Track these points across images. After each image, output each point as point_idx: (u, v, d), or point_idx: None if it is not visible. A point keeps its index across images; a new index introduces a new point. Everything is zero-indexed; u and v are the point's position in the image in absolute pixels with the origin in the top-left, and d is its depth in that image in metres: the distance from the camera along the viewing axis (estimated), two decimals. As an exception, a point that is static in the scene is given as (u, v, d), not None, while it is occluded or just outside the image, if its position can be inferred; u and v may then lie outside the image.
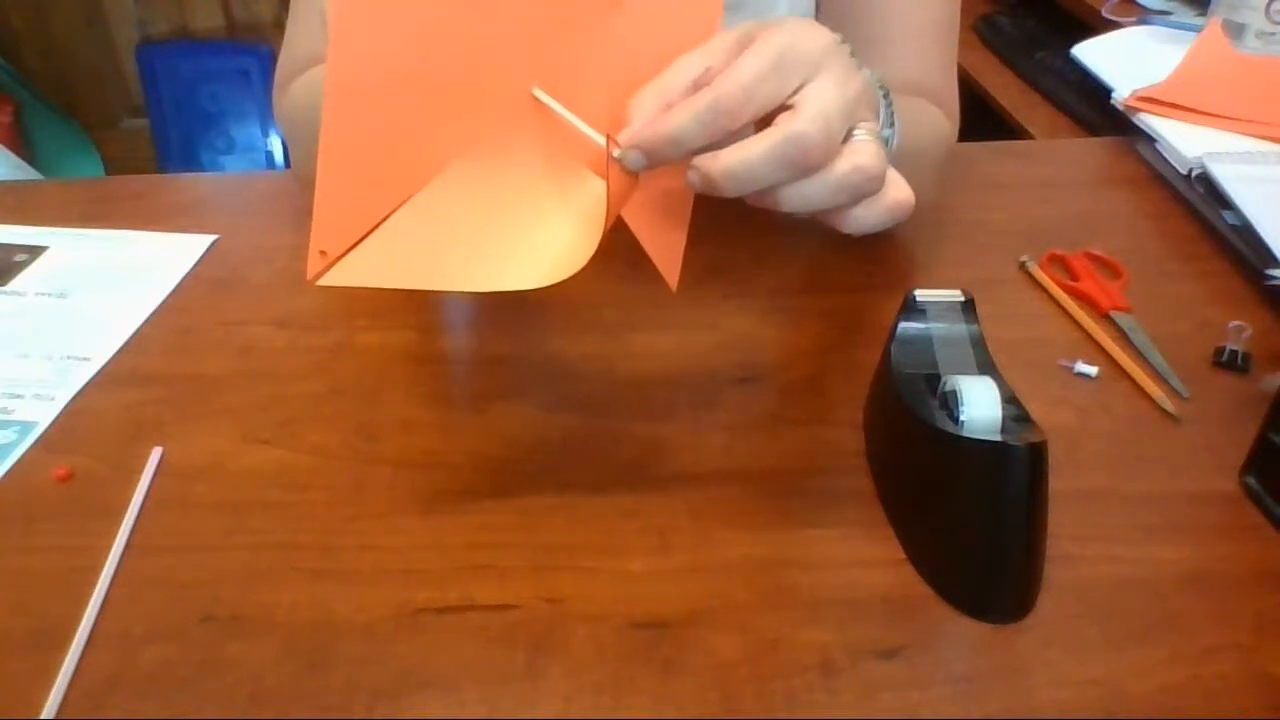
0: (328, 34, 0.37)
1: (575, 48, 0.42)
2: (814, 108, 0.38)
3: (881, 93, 0.51)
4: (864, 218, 0.40)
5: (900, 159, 0.47)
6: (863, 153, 0.39)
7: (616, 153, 0.40)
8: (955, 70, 0.72)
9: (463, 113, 0.42)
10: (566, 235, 0.43)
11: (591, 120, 0.41)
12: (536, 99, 0.42)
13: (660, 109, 0.40)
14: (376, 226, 0.41)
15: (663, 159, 0.39)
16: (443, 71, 0.40)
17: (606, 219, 0.41)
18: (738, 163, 0.38)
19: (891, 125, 0.52)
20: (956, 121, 0.71)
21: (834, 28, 0.48)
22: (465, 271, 0.42)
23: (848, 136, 0.39)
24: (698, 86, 0.40)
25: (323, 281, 0.40)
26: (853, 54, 0.47)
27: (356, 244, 0.41)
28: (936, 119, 0.67)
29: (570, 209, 0.44)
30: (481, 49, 0.41)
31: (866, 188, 0.39)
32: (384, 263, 0.41)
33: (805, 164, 0.38)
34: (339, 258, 0.41)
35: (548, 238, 0.43)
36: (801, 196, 0.39)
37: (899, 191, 0.41)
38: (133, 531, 0.47)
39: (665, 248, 0.45)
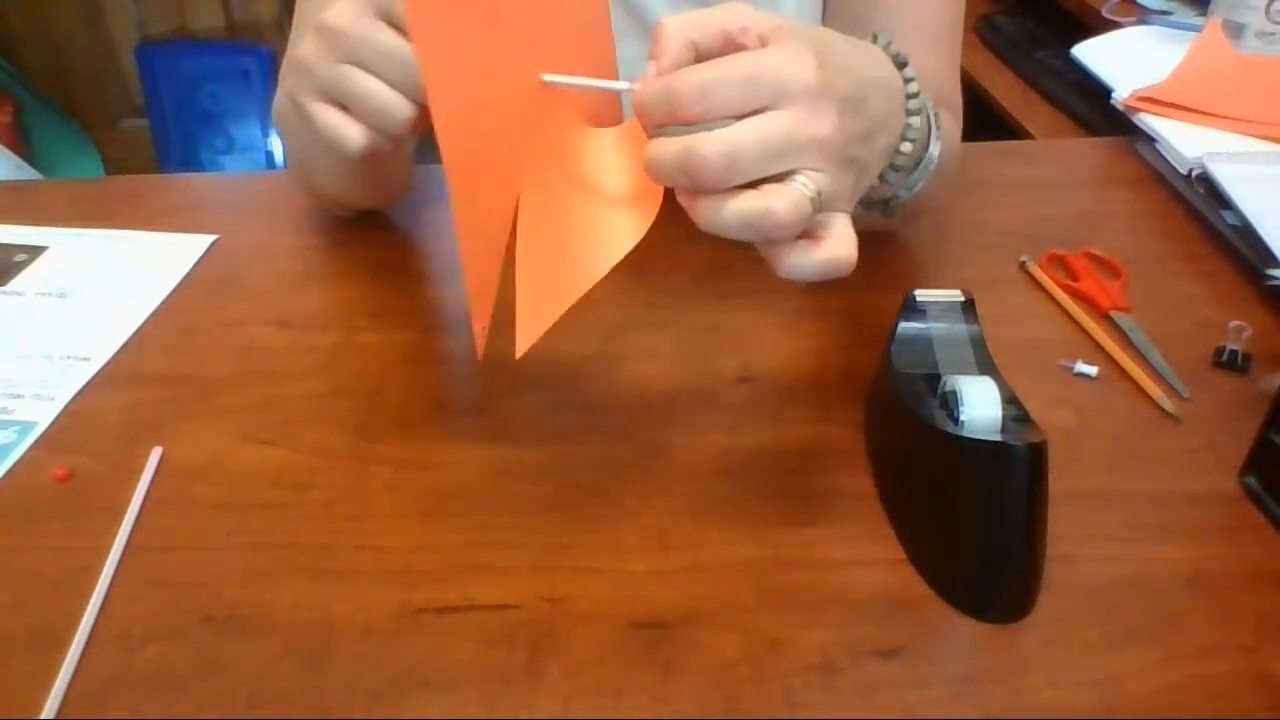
0: None
1: (556, 28, 0.44)
2: (735, 133, 0.37)
3: (928, 106, 0.50)
4: (796, 265, 0.39)
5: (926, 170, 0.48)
6: (781, 196, 0.37)
7: (636, 85, 0.40)
8: (959, 70, 0.72)
9: (513, 129, 0.44)
10: (627, 188, 0.44)
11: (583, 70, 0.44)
12: (547, 84, 0.43)
13: (684, 44, 0.39)
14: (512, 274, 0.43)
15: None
16: (499, 103, 0.43)
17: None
18: (650, 154, 0.39)
19: (931, 140, 0.52)
20: (961, 123, 0.70)
21: (841, 28, 0.47)
22: (601, 257, 0.43)
23: (785, 177, 0.38)
24: (726, 38, 0.40)
25: (519, 353, 0.42)
26: (917, 94, 0.46)
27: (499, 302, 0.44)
28: (952, 129, 0.67)
29: (613, 163, 0.45)
30: (502, 63, 0.43)
31: (771, 232, 0.38)
32: (546, 300, 0.43)
33: (697, 181, 0.38)
34: (487, 327, 0.45)
35: (617, 196, 0.44)
36: (705, 212, 0.38)
37: (840, 248, 0.39)
38: (133, 531, 0.47)
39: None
